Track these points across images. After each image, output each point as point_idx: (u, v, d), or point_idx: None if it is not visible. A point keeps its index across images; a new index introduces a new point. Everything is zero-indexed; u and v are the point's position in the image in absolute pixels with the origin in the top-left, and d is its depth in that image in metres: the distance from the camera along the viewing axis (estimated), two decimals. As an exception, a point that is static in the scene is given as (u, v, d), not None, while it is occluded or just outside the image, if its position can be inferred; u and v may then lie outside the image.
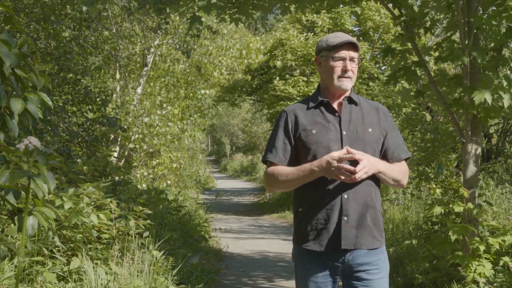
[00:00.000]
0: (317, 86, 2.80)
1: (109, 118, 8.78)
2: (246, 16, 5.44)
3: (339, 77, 2.66)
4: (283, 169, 2.67)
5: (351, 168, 2.48)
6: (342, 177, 2.49)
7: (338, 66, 2.65)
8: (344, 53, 2.64)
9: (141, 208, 5.71)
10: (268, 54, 14.96)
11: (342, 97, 2.71)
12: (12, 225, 3.77)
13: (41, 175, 1.79)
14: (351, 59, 2.65)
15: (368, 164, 2.51)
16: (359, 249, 2.61)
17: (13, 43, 2.03)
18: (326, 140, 2.62)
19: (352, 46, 2.65)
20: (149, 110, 11.26)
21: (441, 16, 5.40)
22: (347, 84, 2.66)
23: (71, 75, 8.58)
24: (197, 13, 5.06)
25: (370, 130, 2.66)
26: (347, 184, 2.58)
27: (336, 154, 2.51)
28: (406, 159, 2.77)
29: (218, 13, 5.42)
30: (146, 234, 5.46)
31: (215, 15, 5.38)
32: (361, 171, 2.48)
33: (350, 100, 2.72)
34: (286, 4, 5.37)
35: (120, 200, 5.79)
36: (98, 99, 8.81)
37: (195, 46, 12.10)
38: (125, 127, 9.95)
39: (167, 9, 5.21)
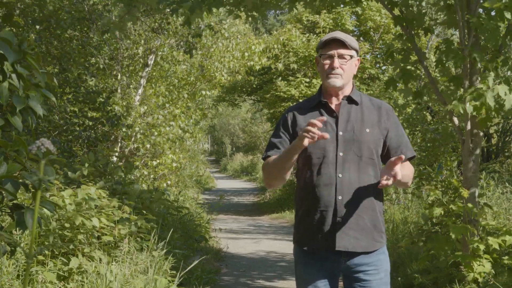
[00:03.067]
0: (320, 86, 2.79)
1: (110, 117, 8.78)
2: (260, 14, 5.44)
3: (328, 74, 2.64)
4: (274, 156, 2.68)
5: (316, 126, 2.41)
6: (309, 137, 2.42)
7: (326, 63, 2.64)
8: (331, 50, 2.62)
9: (144, 212, 5.73)
10: (273, 58, 14.97)
11: (342, 97, 2.69)
12: (11, 220, 3.78)
13: (39, 167, 1.79)
14: (340, 56, 2.61)
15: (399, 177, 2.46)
16: (357, 252, 2.59)
17: (13, 40, 2.03)
18: (322, 141, 2.57)
19: (340, 43, 2.61)
20: (153, 110, 11.27)
21: (441, 17, 5.41)
22: (335, 80, 2.63)
23: (75, 75, 8.58)
24: (201, 14, 5.07)
25: (367, 130, 2.62)
26: (343, 186, 2.57)
27: (305, 131, 2.43)
28: (410, 159, 2.72)
29: (230, 10, 5.42)
30: (148, 236, 5.47)
31: (226, 12, 5.40)
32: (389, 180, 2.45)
33: (350, 100, 2.69)
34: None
35: (123, 202, 5.79)
36: (99, 98, 8.81)
37: (197, 46, 12.09)
38: (130, 123, 9.92)
39: (181, 8, 5.21)
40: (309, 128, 2.41)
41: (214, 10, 5.25)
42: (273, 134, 2.78)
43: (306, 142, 2.44)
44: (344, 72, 2.63)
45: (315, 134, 2.40)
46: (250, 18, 5.51)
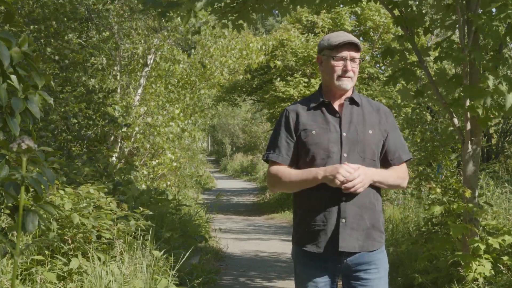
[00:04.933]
0: (319, 86, 2.79)
1: (108, 113, 8.78)
2: (248, 22, 5.44)
3: (339, 76, 2.65)
4: (287, 171, 2.66)
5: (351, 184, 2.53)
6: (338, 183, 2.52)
7: (338, 66, 2.64)
8: (345, 53, 2.63)
9: (141, 209, 5.72)
10: (269, 55, 14.98)
11: (344, 98, 2.70)
12: (12, 222, 3.78)
13: (42, 171, 1.79)
14: (352, 59, 2.64)
15: (365, 178, 2.54)
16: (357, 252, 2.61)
17: (14, 41, 2.03)
18: (325, 141, 2.61)
19: (353, 46, 2.64)
20: (153, 110, 11.27)
21: (440, 16, 5.41)
22: (347, 83, 2.65)
23: (76, 75, 8.58)
24: (196, 12, 5.05)
25: (370, 132, 2.65)
26: None
27: (344, 171, 2.51)
28: (407, 161, 2.76)
29: (220, 17, 5.42)
30: (147, 236, 5.46)
31: (216, 19, 5.38)
32: (358, 185, 2.51)
33: (352, 101, 2.71)
34: (284, 4, 5.36)
35: (120, 200, 5.79)
36: (96, 96, 8.80)
37: (196, 46, 12.09)
38: (129, 122, 9.91)
39: (170, 12, 5.20)
40: (344, 174, 2.49)
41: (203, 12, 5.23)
42: (274, 134, 2.76)
43: (336, 182, 2.51)
44: (354, 74, 2.67)
45: (347, 182, 2.49)
46: (235, 29, 5.46)
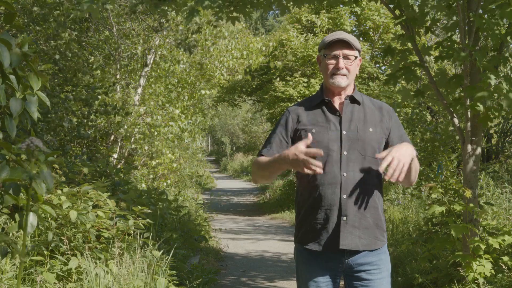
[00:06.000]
0: (321, 85, 2.81)
1: (105, 105, 8.81)
2: (244, 15, 5.40)
3: (332, 74, 2.66)
4: (262, 158, 2.70)
5: (319, 164, 2.43)
6: (308, 171, 2.43)
7: (331, 64, 2.67)
8: (337, 51, 2.65)
9: (140, 207, 5.71)
10: (269, 56, 14.99)
11: (344, 96, 2.71)
12: (12, 222, 3.77)
13: (41, 173, 1.78)
14: (345, 57, 2.65)
15: (402, 154, 2.45)
16: (360, 250, 2.60)
17: (13, 42, 2.02)
18: (326, 140, 2.62)
19: (345, 44, 2.65)
20: (152, 110, 11.27)
21: (441, 16, 5.40)
22: (340, 80, 2.66)
23: (78, 75, 8.57)
24: (199, 11, 5.03)
25: (371, 130, 2.65)
26: (348, 185, 2.58)
27: (303, 147, 2.45)
28: None
29: (216, 11, 5.38)
30: (146, 234, 5.46)
31: (212, 13, 5.34)
32: (399, 166, 2.42)
33: (353, 99, 2.72)
34: (284, 2, 5.34)
35: (119, 199, 5.78)
36: (99, 90, 8.79)
37: (196, 44, 12.08)
38: (129, 111, 9.90)
39: (166, 7, 5.16)
40: (308, 160, 2.41)
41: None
42: (272, 132, 2.80)
43: (306, 171, 2.44)
44: (349, 72, 2.67)
45: (313, 167, 2.41)
46: (231, 21, 5.38)
